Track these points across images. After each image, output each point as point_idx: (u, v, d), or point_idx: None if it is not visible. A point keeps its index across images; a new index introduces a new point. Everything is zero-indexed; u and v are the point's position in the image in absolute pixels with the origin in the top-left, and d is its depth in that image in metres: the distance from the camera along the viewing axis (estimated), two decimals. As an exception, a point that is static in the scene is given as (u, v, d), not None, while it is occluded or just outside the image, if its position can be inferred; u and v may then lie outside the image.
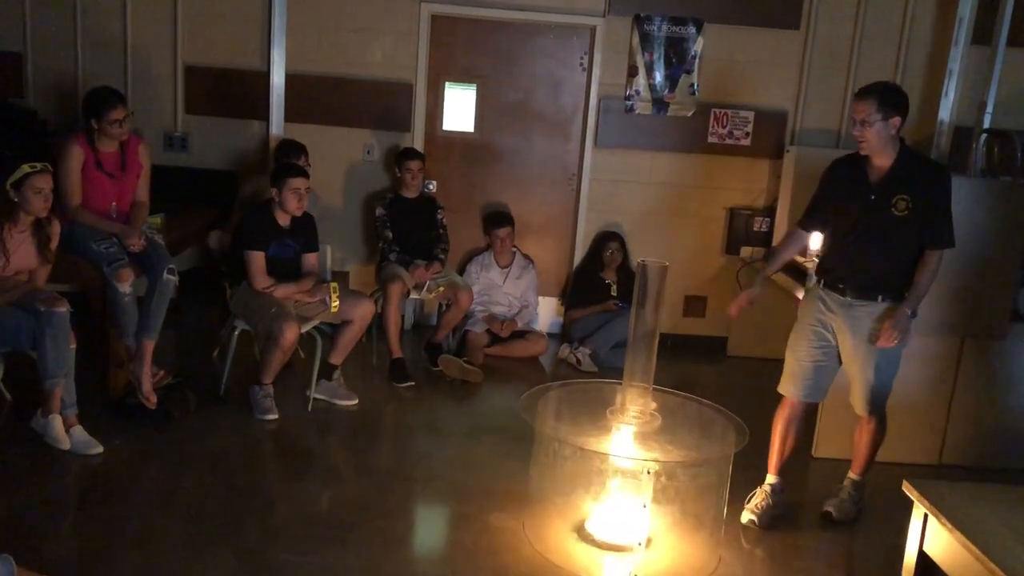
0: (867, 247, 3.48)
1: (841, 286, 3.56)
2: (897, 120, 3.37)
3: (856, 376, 3.61)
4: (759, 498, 3.71)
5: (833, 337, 3.62)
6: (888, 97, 3.37)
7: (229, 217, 5.30)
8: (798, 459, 4.23)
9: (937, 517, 2.35)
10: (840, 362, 3.66)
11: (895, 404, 4.09)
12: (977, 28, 5.61)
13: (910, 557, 2.51)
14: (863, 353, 3.55)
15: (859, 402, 3.64)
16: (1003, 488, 2.56)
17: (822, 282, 3.65)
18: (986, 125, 5.50)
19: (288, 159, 5.00)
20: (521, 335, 5.63)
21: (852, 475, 3.80)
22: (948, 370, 4.34)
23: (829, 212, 3.64)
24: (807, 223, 3.74)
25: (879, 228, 3.45)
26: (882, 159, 3.44)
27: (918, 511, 2.47)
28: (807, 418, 3.78)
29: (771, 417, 3.77)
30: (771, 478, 3.76)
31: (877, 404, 3.63)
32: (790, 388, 3.70)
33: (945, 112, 5.72)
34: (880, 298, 3.51)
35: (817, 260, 3.84)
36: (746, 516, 3.66)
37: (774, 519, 3.69)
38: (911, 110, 5.79)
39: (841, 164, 3.63)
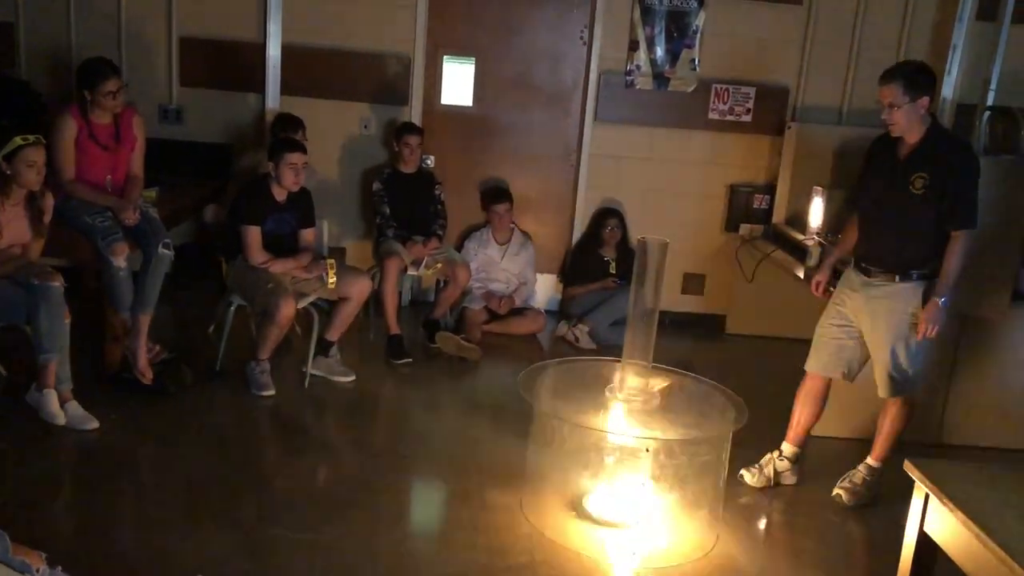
0: (884, 225, 3.48)
1: (864, 264, 3.56)
2: (925, 100, 3.34)
3: (874, 357, 3.60)
4: (764, 460, 3.79)
5: (854, 315, 3.61)
6: (914, 78, 3.34)
7: (225, 191, 5.26)
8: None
9: (939, 497, 2.33)
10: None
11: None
12: (982, 4, 5.54)
13: (910, 537, 2.49)
14: (878, 335, 3.54)
15: (878, 384, 3.61)
16: (1005, 468, 2.55)
17: (852, 261, 3.66)
18: (990, 102, 5.45)
19: (286, 133, 4.95)
20: (519, 312, 5.61)
21: (869, 460, 3.76)
22: (948, 348, 4.32)
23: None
24: (853, 203, 3.74)
25: (896, 206, 3.44)
26: (912, 137, 3.42)
27: (919, 491, 2.45)
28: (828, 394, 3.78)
29: (770, 396, 3.77)
30: (785, 446, 3.81)
31: (895, 387, 3.57)
32: (810, 361, 3.74)
33: (948, 89, 5.66)
34: (897, 278, 3.48)
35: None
36: (742, 472, 3.74)
37: (776, 482, 3.75)
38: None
39: (880, 141, 3.61)
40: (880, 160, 3.55)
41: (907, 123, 3.37)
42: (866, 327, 3.58)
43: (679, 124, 5.82)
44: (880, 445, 3.72)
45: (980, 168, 3.41)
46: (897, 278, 3.48)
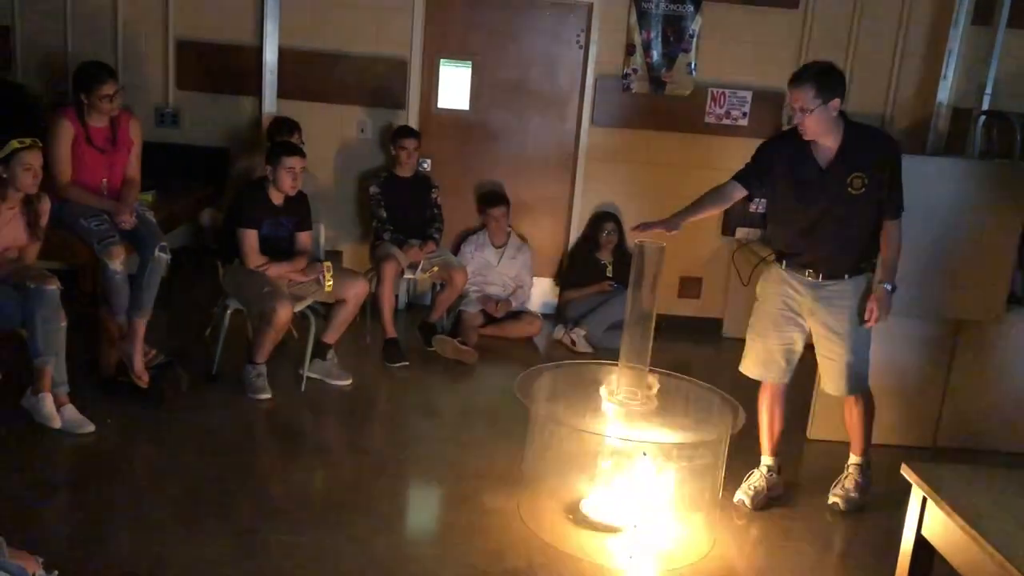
0: (830, 231, 3.43)
1: (809, 270, 3.51)
2: (836, 102, 3.27)
3: (832, 357, 3.57)
4: (754, 479, 3.71)
5: (802, 319, 3.59)
6: (824, 80, 3.26)
7: (222, 194, 5.25)
8: (793, 441, 4.23)
9: (936, 500, 2.34)
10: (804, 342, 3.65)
11: (891, 386, 4.09)
12: (977, 8, 5.56)
13: (908, 540, 2.50)
14: (836, 333, 3.52)
15: (839, 383, 3.59)
16: (1001, 471, 2.55)
17: (783, 263, 3.59)
18: (985, 107, 5.47)
19: (281, 136, 4.95)
20: (516, 315, 5.60)
21: (854, 458, 3.75)
22: (943, 353, 4.34)
23: (773, 187, 3.54)
24: (749, 183, 3.55)
25: (839, 210, 3.39)
26: (828, 140, 3.36)
27: (916, 494, 2.46)
28: (788, 396, 3.76)
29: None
30: (766, 459, 3.76)
31: (859, 382, 3.59)
32: (767, 373, 3.68)
33: (944, 93, 5.68)
34: (847, 276, 3.49)
35: (772, 242, 3.76)
36: (738, 495, 3.67)
37: (770, 500, 3.69)
38: (909, 91, 5.88)
39: (784, 142, 3.52)
40: (797, 165, 3.42)
41: (819, 127, 3.30)
42: (820, 328, 3.55)
43: (675, 128, 5.83)
44: (857, 441, 3.73)
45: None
46: (847, 276, 3.48)
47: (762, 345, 3.66)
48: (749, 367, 3.71)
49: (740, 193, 3.58)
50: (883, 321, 3.48)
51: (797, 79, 3.30)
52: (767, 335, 3.64)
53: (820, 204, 3.41)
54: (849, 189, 3.35)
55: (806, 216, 3.46)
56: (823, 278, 3.49)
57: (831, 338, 3.54)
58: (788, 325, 3.60)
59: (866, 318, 3.47)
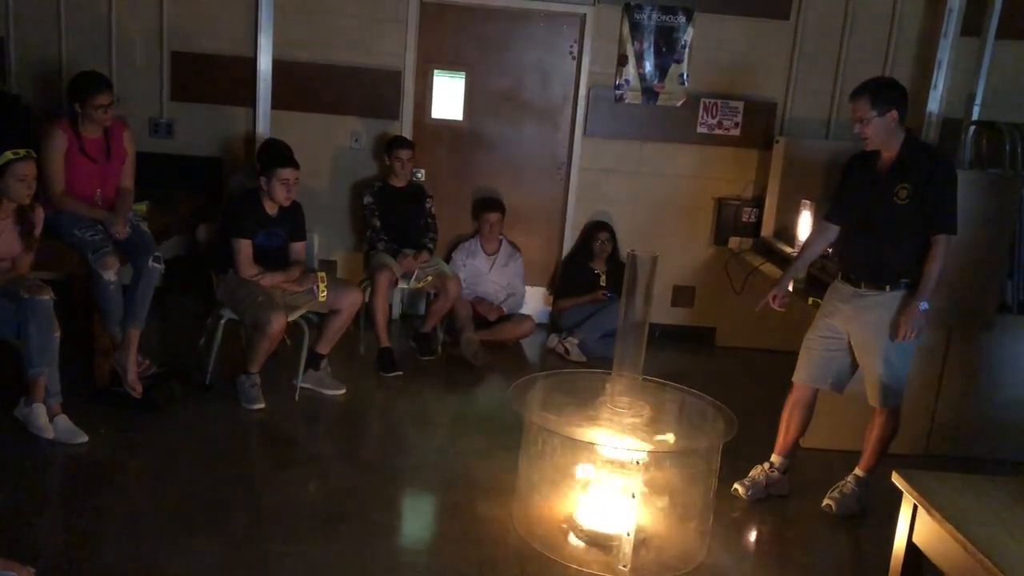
0: (873, 237, 3.53)
1: (852, 276, 3.61)
2: (894, 114, 3.42)
3: (865, 367, 3.63)
4: (755, 472, 3.79)
5: (843, 326, 3.64)
6: (881, 93, 3.43)
7: (215, 206, 5.25)
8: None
9: (926, 508, 2.35)
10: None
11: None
12: (967, 19, 5.61)
13: (899, 548, 2.51)
14: (871, 344, 3.57)
15: (871, 393, 3.64)
16: (992, 479, 2.57)
17: (840, 273, 3.71)
18: (975, 117, 5.51)
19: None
20: (507, 317, 5.62)
21: (857, 470, 3.78)
22: (935, 360, 4.35)
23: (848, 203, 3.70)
24: (832, 215, 3.76)
25: (883, 217, 3.49)
26: (888, 151, 3.50)
27: (907, 502, 2.47)
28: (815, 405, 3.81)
29: (760, 407, 3.79)
30: (774, 457, 3.83)
31: (887, 397, 3.61)
32: (798, 372, 3.78)
33: (934, 104, 5.72)
34: (888, 287, 3.53)
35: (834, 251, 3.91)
36: (735, 486, 3.75)
37: (768, 493, 3.77)
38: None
39: (857, 157, 3.68)
40: (860, 175, 3.62)
41: (878, 136, 3.46)
42: (857, 337, 3.61)
43: (668, 138, 5.86)
44: (868, 456, 3.75)
45: (957, 176, 3.47)
46: (888, 287, 3.52)
47: (805, 347, 3.75)
48: (795, 371, 3.80)
49: (833, 230, 3.75)
50: (912, 340, 3.50)
51: (855, 92, 3.48)
52: (809, 337, 3.74)
53: (867, 210, 3.54)
54: (895, 199, 3.45)
55: (855, 221, 3.60)
56: (863, 286, 3.57)
57: (864, 349, 3.61)
58: (827, 330, 3.68)
59: (897, 334, 3.50)
